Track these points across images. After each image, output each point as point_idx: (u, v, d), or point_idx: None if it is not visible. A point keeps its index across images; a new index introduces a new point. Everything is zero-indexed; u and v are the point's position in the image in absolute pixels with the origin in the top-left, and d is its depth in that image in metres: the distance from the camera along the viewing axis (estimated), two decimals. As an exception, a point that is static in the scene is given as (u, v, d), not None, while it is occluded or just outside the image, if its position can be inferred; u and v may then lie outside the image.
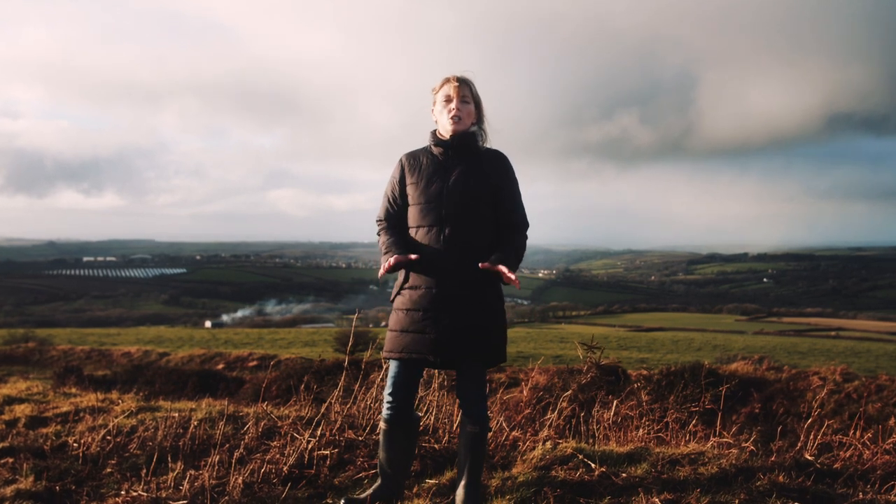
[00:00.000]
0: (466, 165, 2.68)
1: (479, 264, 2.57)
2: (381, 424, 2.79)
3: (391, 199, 2.78)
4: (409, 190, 2.73)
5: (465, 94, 2.70)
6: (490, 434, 3.48)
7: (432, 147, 2.75)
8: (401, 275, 2.72)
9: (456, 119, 2.68)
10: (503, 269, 2.55)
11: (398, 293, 2.73)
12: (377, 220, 2.82)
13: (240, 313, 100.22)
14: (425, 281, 2.64)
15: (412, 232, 2.71)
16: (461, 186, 2.64)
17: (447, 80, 2.72)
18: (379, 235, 2.80)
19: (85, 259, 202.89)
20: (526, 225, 2.75)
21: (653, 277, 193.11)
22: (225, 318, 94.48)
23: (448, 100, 2.70)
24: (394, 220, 2.77)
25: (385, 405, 2.77)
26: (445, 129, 2.71)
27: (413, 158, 2.77)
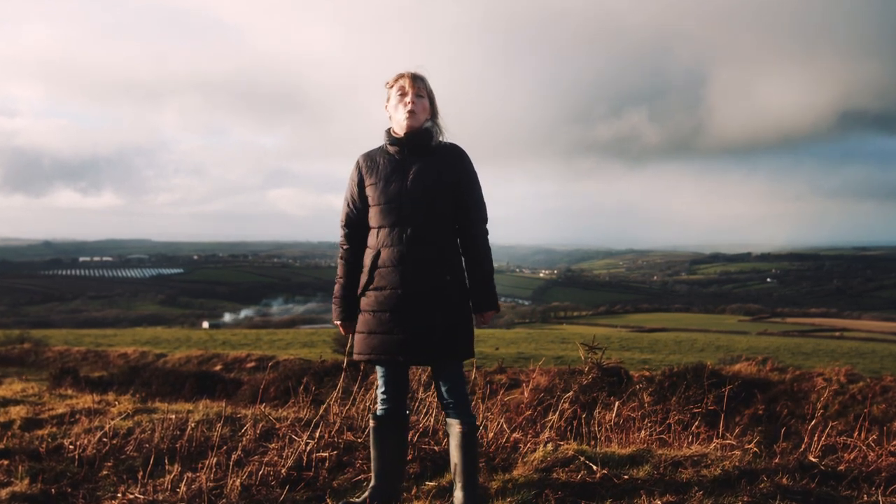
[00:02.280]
0: (423, 163, 2.69)
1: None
2: (371, 422, 2.80)
3: (350, 203, 2.81)
4: (369, 191, 2.74)
5: (420, 89, 2.71)
6: (491, 436, 3.45)
7: (388, 146, 2.76)
8: (364, 276, 2.74)
9: (411, 114, 2.68)
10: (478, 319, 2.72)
11: (362, 294, 2.74)
12: (341, 225, 2.84)
13: (243, 314, 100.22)
14: (390, 281, 2.65)
15: (374, 232, 2.73)
16: (419, 185, 2.65)
17: (401, 76, 2.73)
18: (339, 260, 2.85)
19: (81, 259, 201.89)
20: (485, 219, 2.75)
21: (655, 277, 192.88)
22: (227, 317, 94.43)
23: (403, 94, 2.70)
24: (355, 226, 2.79)
25: (379, 403, 2.80)
26: (400, 125, 2.72)
27: (370, 159, 2.78)
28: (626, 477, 2.87)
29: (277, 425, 3.64)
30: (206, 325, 66.06)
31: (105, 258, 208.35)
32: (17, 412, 4.32)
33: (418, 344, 2.62)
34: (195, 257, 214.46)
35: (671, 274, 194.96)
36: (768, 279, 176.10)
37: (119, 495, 2.92)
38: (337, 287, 2.83)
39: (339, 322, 2.82)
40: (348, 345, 4.24)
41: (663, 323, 76.96)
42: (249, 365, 18.21)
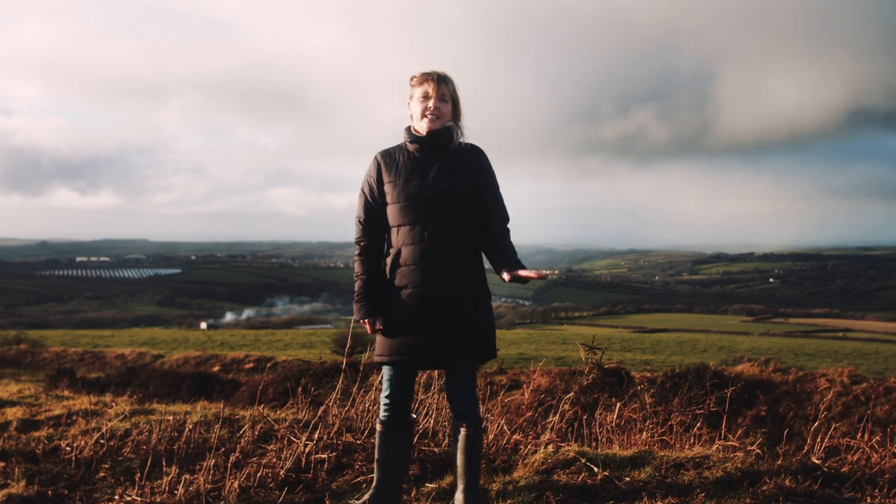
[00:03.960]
0: (444, 161, 2.67)
1: (505, 276, 2.60)
2: (378, 426, 2.77)
3: (369, 198, 2.76)
4: (388, 189, 2.70)
5: (444, 92, 2.69)
6: (491, 437, 3.43)
7: (408, 144, 2.73)
8: (386, 275, 2.71)
9: (433, 118, 2.67)
10: (526, 273, 2.56)
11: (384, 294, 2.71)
12: (357, 220, 2.78)
13: (245, 314, 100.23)
14: (412, 280, 2.62)
15: (394, 231, 2.70)
16: (441, 183, 2.63)
17: (427, 78, 2.70)
18: (355, 258, 2.76)
19: (78, 259, 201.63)
20: (507, 218, 2.73)
21: (657, 277, 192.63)
22: (229, 316, 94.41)
23: (426, 97, 2.69)
24: (371, 223, 2.73)
25: (382, 407, 2.76)
26: (421, 127, 2.71)
27: (388, 156, 2.75)
28: (627, 479, 2.85)
29: (276, 427, 3.61)
30: (204, 325, 66.06)
31: (102, 258, 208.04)
32: (13, 413, 4.31)
33: (439, 344, 2.59)
34: (193, 257, 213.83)
35: (673, 274, 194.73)
36: (771, 279, 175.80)
37: (116, 497, 2.91)
38: (358, 284, 2.72)
39: (364, 319, 2.70)
40: (348, 346, 4.22)
41: (665, 323, 76.95)
42: (248, 366, 18.18)
